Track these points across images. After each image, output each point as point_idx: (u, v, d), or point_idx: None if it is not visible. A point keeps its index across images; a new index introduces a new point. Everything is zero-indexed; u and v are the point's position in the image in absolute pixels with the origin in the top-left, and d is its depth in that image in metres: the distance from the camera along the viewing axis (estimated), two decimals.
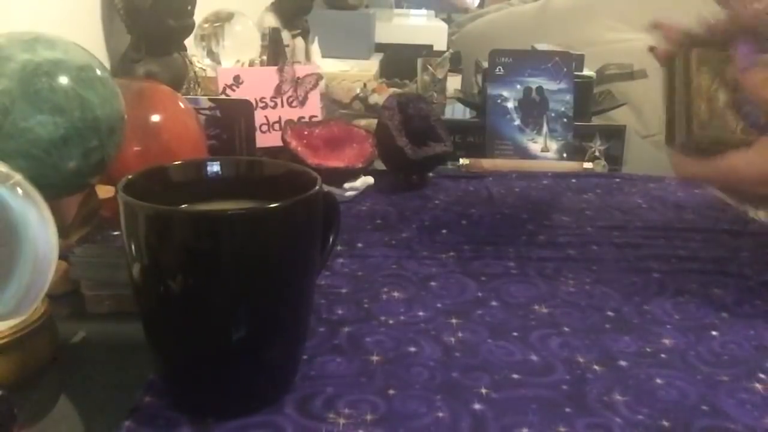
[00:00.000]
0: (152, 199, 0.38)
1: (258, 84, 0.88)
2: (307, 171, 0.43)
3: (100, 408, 0.42)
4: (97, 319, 0.52)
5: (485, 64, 1.01)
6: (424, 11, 3.59)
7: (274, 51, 1.13)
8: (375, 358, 0.47)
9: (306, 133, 0.81)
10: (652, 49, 0.59)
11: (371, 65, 2.00)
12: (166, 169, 0.44)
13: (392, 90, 1.13)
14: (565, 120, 0.95)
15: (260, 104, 0.88)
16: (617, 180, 0.89)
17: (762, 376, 0.47)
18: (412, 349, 0.48)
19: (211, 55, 1.19)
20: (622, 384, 0.45)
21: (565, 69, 0.97)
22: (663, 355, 0.49)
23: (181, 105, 0.70)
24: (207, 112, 0.79)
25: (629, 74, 1.18)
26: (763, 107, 0.53)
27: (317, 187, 0.40)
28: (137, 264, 0.38)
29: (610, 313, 0.54)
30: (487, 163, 0.92)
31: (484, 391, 0.44)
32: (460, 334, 0.51)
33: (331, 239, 0.47)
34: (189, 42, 1.07)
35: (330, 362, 0.46)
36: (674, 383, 0.45)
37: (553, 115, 0.96)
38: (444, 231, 0.70)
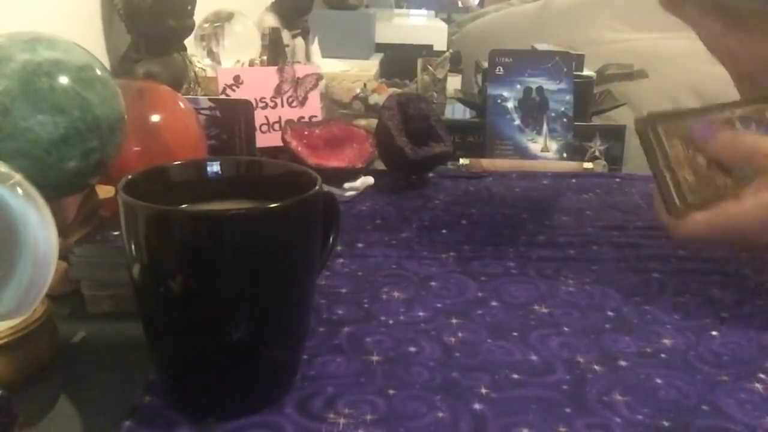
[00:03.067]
0: (152, 199, 0.38)
1: (258, 84, 0.88)
2: (307, 171, 0.43)
3: (100, 408, 0.42)
4: (97, 319, 0.52)
5: (485, 64, 1.01)
6: (424, 11, 3.60)
7: (274, 51, 1.13)
8: (375, 358, 0.47)
9: (306, 133, 0.81)
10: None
11: (371, 65, 2.00)
12: (166, 169, 0.44)
13: (392, 90, 1.13)
14: (565, 120, 0.95)
15: (260, 104, 0.88)
16: (617, 180, 0.89)
17: (762, 376, 0.47)
18: (412, 349, 0.48)
19: (211, 55, 1.19)
20: (622, 384, 0.45)
21: (565, 69, 0.97)
22: (663, 355, 0.49)
23: (181, 105, 0.70)
24: (207, 112, 0.79)
25: (629, 74, 1.18)
26: (742, 164, 0.54)
27: (317, 187, 0.40)
28: (137, 264, 0.38)
29: (610, 313, 0.54)
30: (487, 163, 0.92)
31: (484, 391, 0.44)
32: (460, 334, 0.51)
33: (331, 239, 0.47)
34: (189, 42, 1.07)
35: (330, 362, 0.46)
36: (674, 383, 0.45)
37: (553, 115, 0.96)
38: (444, 231, 0.70)
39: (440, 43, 2.52)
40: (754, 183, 0.52)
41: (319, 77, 0.93)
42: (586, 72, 1.06)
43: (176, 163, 0.45)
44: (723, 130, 0.55)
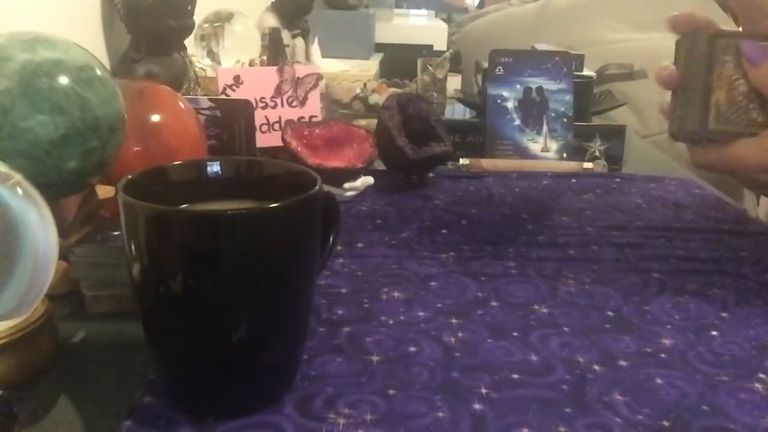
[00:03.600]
0: (152, 199, 0.38)
1: (258, 84, 0.88)
2: (307, 171, 0.43)
3: (100, 408, 0.42)
4: (97, 319, 0.52)
5: (485, 64, 1.01)
6: (424, 11, 3.60)
7: (274, 51, 1.13)
8: (375, 358, 0.47)
9: (306, 133, 0.81)
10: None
11: (371, 65, 2.00)
12: (166, 169, 0.44)
13: (392, 90, 1.13)
14: (565, 120, 0.95)
15: (260, 104, 0.88)
16: (617, 180, 0.89)
17: (762, 376, 0.47)
18: (412, 349, 0.48)
19: (211, 55, 1.19)
20: (622, 384, 0.45)
21: (565, 69, 0.97)
22: (663, 355, 0.49)
23: (181, 105, 0.70)
24: (207, 112, 0.79)
25: (629, 74, 1.19)
26: None
27: (317, 187, 0.40)
28: (137, 264, 0.38)
29: (610, 313, 0.54)
30: (487, 163, 0.92)
31: (484, 391, 0.44)
32: (460, 334, 0.51)
33: (331, 239, 0.47)
34: (189, 42, 1.07)
35: (330, 362, 0.46)
36: (674, 383, 0.45)
37: (553, 115, 0.96)
38: (444, 231, 0.70)
39: (440, 43, 2.52)
40: None
41: (319, 77, 0.93)
42: (586, 72, 1.06)
43: (176, 163, 0.45)
44: None
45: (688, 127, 0.54)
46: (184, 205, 0.42)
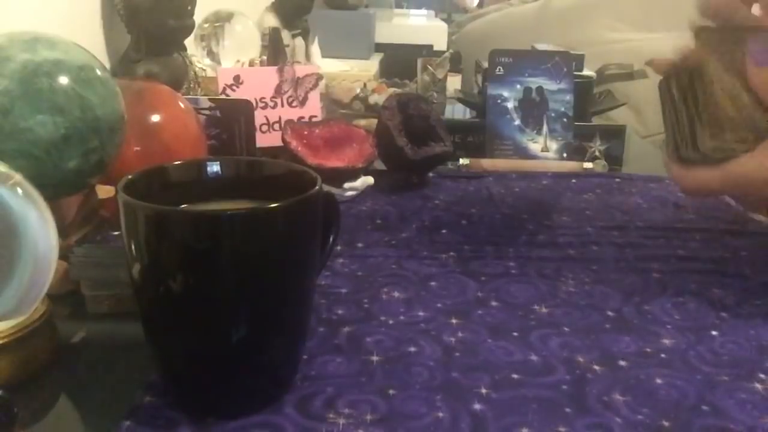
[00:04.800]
0: (152, 199, 0.38)
1: (258, 84, 0.88)
2: (307, 171, 0.43)
3: (100, 408, 0.42)
4: (97, 319, 0.52)
5: (485, 64, 1.01)
6: (424, 11, 3.59)
7: (274, 51, 1.13)
8: (375, 358, 0.47)
9: (306, 133, 0.81)
10: (650, 63, 0.58)
11: (371, 65, 2.00)
12: (166, 169, 0.44)
13: (392, 90, 1.13)
14: (565, 120, 0.95)
15: (260, 104, 0.88)
16: (617, 180, 0.89)
17: (762, 376, 0.47)
18: (412, 349, 0.48)
19: (211, 55, 1.19)
20: (622, 384, 0.45)
21: (565, 69, 0.97)
22: (663, 355, 0.49)
23: (181, 105, 0.70)
24: (207, 112, 0.79)
25: (629, 74, 1.18)
26: None
27: (317, 187, 0.40)
28: (137, 264, 0.38)
29: (610, 313, 0.54)
30: (487, 163, 0.92)
31: (484, 391, 0.44)
32: (460, 334, 0.51)
33: (331, 239, 0.47)
34: (189, 42, 1.07)
35: (330, 362, 0.46)
36: (674, 383, 0.45)
37: (553, 115, 0.96)
38: (444, 231, 0.70)
39: (440, 43, 2.52)
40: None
41: (319, 77, 0.93)
42: (586, 72, 1.06)
43: (176, 163, 0.45)
44: None
45: (688, 145, 0.54)
46: (183, 205, 0.42)
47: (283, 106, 0.89)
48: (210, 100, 0.80)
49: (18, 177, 0.39)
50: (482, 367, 0.46)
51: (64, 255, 0.52)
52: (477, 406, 0.42)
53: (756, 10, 0.54)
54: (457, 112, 1.21)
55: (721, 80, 0.53)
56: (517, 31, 1.69)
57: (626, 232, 0.71)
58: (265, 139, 0.87)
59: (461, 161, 0.92)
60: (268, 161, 0.47)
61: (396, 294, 0.56)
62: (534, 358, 0.48)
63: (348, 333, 0.50)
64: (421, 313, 0.53)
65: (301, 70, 0.91)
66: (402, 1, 4.23)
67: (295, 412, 0.41)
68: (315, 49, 1.61)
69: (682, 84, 0.55)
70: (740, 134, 0.52)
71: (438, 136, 0.84)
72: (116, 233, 0.62)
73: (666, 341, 0.51)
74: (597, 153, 0.96)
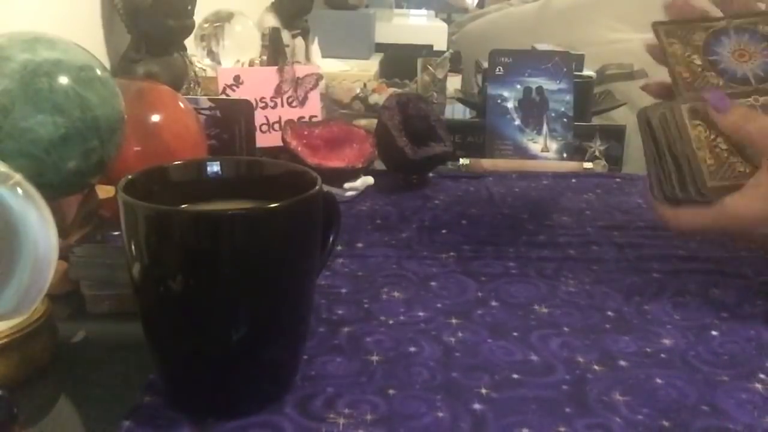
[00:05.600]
0: (152, 199, 0.38)
1: (258, 84, 0.88)
2: (307, 171, 0.43)
3: (100, 408, 0.42)
4: (97, 319, 0.52)
5: (485, 64, 1.01)
6: (424, 11, 3.59)
7: (274, 51, 1.13)
8: (375, 358, 0.47)
9: (306, 133, 0.81)
10: (645, 87, 0.59)
11: (371, 65, 2.00)
12: (166, 169, 0.44)
13: (392, 90, 1.13)
14: (565, 120, 0.95)
15: (260, 104, 0.88)
16: (617, 180, 0.89)
17: (762, 376, 0.47)
18: (412, 349, 0.48)
19: (211, 55, 1.19)
20: (622, 384, 0.45)
21: (565, 69, 0.97)
22: (663, 355, 0.49)
23: (181, 105, 0.70)
24: (207, 112, 0.79)
25: (629, 74, 1.18)
26: (746, 143, 0.52)
27: (317, 187, 0.40)
28: (137, 264, 0.38)
29: (610, 313, 0.54)
30: (487, 163, 0.92)
31: (484, 391, 0.44)
32: (460, 334, 0.51)
33: (331, 239, 0.47)
34: (189, 42, 1.07)
35: (330, 362, 0.46)
36: (674, 383, 0.45)
37: (553, 115, 0.96)
38: (444, 231, 0.70)
39: (440, 43, 2.53)
40: (758, 173, 0.51)
41: (319, 77, 0.93)
42: (586, 72, 1.06)
43: (176, 163, 0.45)
44: (735, 104, 0.53)
45: (675, 189, 0.54)
46: (183, 205, 0.42)
47: (283, 106, 0.89)
48: (210, 100, 0.80)
49: (18, 177, 0.39)
50: (482, 367, 0.46)
51: (64, 255, 0.52)
52: (477, 406, 0.42)
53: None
54: (457, 112, 1.21)
55: (694, 127, 0.54)
56: (517, 31, 1.69)
57: (626, 232, 0.71)
58: (265, 139, 0.87)
59: (461, 161, 0.92)
60: (268, 161, 0.47)
61: (396, 294, 0.56)
62: (534, 358, 0.48)
63: (348, 333, 0.50)
64: (421, 313, 0.53)
65: (301, 70, 0.91)
66: (402, 1, 4.23)
67: (295, 412, 0.41)
68: (315, 49, 1.61)
69: (662, 121, 0.55)
70: (727, 178, 0.53)
71: (438, 136, 0.84)
72: (116, 233, 0.62)
73: (666, 341, 0.51)
74: (597, 153, 0.96)
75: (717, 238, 0.61)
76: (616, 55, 1.33)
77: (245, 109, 0.80)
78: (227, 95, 0.87)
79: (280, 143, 0.81)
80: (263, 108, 0.88)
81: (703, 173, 0.53)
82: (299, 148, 0.78)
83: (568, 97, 0.96)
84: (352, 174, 0.78)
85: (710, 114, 0.54)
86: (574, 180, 0.88)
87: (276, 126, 0.89)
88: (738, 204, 0.52)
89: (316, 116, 0.91)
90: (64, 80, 0.51)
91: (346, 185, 0.77)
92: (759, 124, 0.52)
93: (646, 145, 0.57)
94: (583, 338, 0.51)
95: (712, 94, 0.54)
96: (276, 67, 0.90)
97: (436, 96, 1.19)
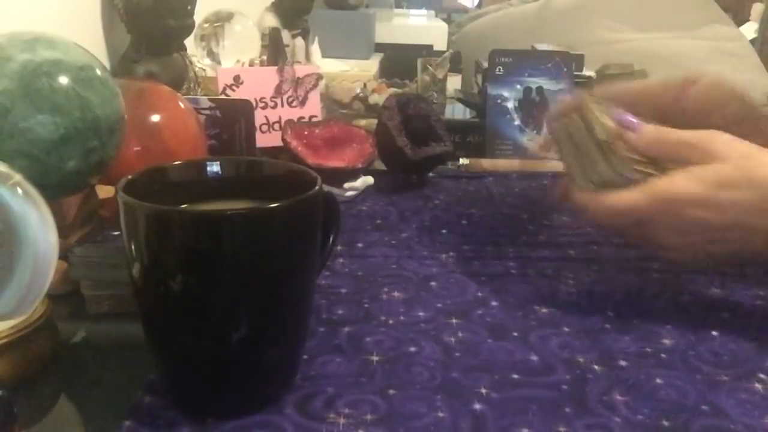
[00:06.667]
0: (152, 199, 0.38)
1: (258, 84, 0.88)
2: (307, 171, 0.43)
3: (100, 408, 0.42)
4: (97, 319, 0.52)
5: (485, 64, 1.01)
6: (424, 11, 3.59)
7: (274, 51, 1.13)
8: (375, 358, 0.47)
9: (306, 133, 0.81)
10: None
11: (371, 65, 2.00)
12: (166, 169, 0.44)
13: (392, 90, 1.13)
14: None
15: (260, 104, 0.88)
16: None
17: (762, 376, 0.47)
18: (412, 349, 0.48)
19: (211, 55, 1.19)
20: (622, 384, 0.45)
21: (565, 69, 0.97)
22: (663, 355, 0.49)
23: (181, 105, 0.70)
24: (207, 112, 0.79)
25: (629, 74, 1.18)
26: (672, 158, 0.52)
27: (317, 187, 0.40)
28: (137, 264, 0.38)
29: (610, 313, 0.54)
30: (487, 163, 0.92)
31: (484, 391, 0.44)
32: (460, 334, 0.51)
33: (331, 239, 0.47)
34: (189, 42, 1.07)
35: (330, 362, 0.46)
36: (674, 383, 0.45)
37: None
38: (444, 231, 0.70)
39: (440, 43, 2.52)
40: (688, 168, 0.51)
41: (319, 77, 0.93)
42: (586, 72, 1.06)
43: (176, 163, 0.45)
44: (646, 125, 0.53)
45: (603, 174, 0.54)
46: (184, 205, 0.42)
47: (283, 106, 0.89)
48: (210, 100, 0.80)
49: (18, 177, 0.39)
50: (482, 367, 0.46)
51: (64, 255, 0.52)
52: (477, 406, 0.42)
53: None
54: (457, 112, 1.21)
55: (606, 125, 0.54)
56: (517, 31, 1.69)
57: None
58: (265, 139, 0.87)
59: (461, 161, 0.92)
60: (268, 161, 0.47)
61: (396, 294, 0.56)
62: (534, 358, 0.48)
63: (348, 333, 0.50)
64: (421, 313, 0.53)
65: (301, 70, 0.91)
66: (402, 1, 4.23)
67: (295, 412, 0.41)
68: (315, 49, 1.61)
69: (582, 117, 0.56)
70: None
71: (438, 136, 0.84)
72: (116, 233, 0.62)
73: (666, 341, 0.51)
74: None
75: (633, 238, 0.60)
76: (616, 55, 1.33)
77: (245, 109, 0.80)
78: (227, 95, 0.87)
79: (280, 143, 0.81)
80: (263, 108, 0.88)
81: (629, 157, 0.53)
82: (299, 148, 0.78)
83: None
84: (352, 174, 0.78)
85: (623, 134, 0.54)
86: None
87: (276, 126, 0.89)
88: (668, 183, 0.51)
89: (316, 116, 0.91)
90: (64, 80, 0.51)
91: (346, 185, 0.77)
92: (672, 139, 0.52)
93: (563, 144, 0.58)
94: (583, 338, 0.51)
95: (620, 117, 0.54)
96: (276, 67, 0.90)
97: (436, 96, 1.19)
